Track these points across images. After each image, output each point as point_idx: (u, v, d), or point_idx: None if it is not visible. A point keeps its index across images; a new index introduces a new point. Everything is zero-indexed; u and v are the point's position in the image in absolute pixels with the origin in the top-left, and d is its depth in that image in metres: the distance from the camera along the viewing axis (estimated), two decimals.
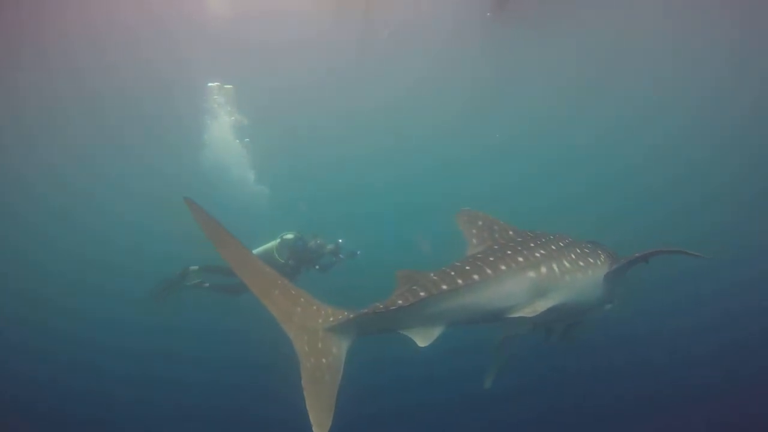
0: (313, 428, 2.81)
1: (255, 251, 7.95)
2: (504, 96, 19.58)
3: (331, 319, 3.15)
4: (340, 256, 8.17)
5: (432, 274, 3.42)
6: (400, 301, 3.17)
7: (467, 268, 3.46)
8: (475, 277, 3.38)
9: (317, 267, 8.13)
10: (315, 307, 3.23)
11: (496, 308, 3.56)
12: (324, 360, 3.06)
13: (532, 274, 3.62)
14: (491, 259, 3.58)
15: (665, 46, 16.82)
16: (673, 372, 10.26)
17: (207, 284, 8.34)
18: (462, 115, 20.69)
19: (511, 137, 21.30)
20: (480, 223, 4.26)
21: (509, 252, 3.69)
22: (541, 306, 3.60)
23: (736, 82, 18.61)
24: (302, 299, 3.24)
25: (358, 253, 8.34)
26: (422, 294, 3.19)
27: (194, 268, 8.28)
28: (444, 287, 3.27)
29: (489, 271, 3.45)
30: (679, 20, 15.26)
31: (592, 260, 4.03)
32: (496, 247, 3.85)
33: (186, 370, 11.46)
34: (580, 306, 4.08)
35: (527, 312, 3.57)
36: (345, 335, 3.19)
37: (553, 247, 3.90)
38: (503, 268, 3.53)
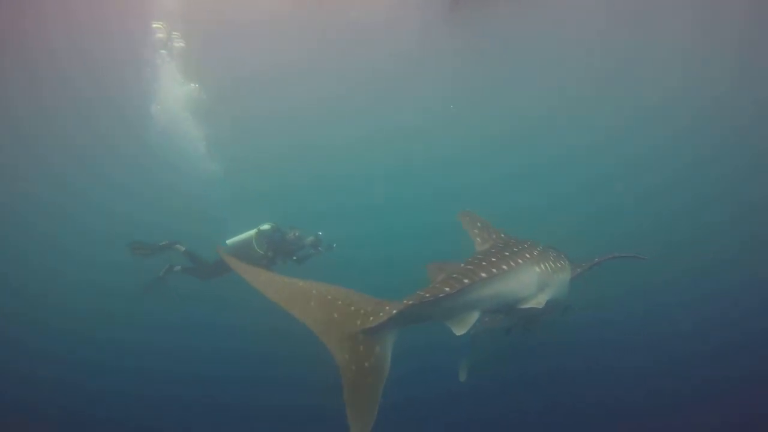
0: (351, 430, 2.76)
1: (231, 241, 8.27)
2: (465, 93, 19.55)
3: (371, 318, 3.05)
4: (320, 248, 8.33)
5: (463, 265, 3.67)
6: (447, 288, 3.25)
7: (493, 260, 3.73)
8: (504, 267, 3.70)
9: (294, 258, 8.27)
10: (353, 308, 3.14)
11: (515, 297, 3.87)
12: (366, 363, 2.97)
13: (537, 269, 4.02)
14: (507, 254, 3.91)
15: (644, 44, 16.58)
16: (668, 372, 10.11)
17: (178, 267, 8.56)
18: (427, 111, 20.58)
19: (472, 135, 21.09)
20: (479, 224, 4.66)
21: (515, 249, 4.03)
22: (543, 299, 3.97)
23: (734, 82, 18.48)
24: (339, 302, 3.17)
25: (334, 246, 8.52)
26: (466, 281, 3.36)
27: (181, 248, 8.46)
28: (483, 275, 3.49)
29: (513, 263, 3.79)
30: (668, 18, 15.04)
31: (563, 263, 4.50)
32: (500, 245, 4.19)
33: (191, 366, 11.30)
34: (557, 302, 4.43)
35: (534, 303, 3.91)
36: (388, 330, 3.11)
37: (539, 249, 4.31)
38: (520, 261, 3.88)
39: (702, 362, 10.27)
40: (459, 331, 3.43)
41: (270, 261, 8.04)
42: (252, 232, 8.22)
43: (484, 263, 3.64)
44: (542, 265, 4.09)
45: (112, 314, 12.93)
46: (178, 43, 13.73)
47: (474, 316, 3.50)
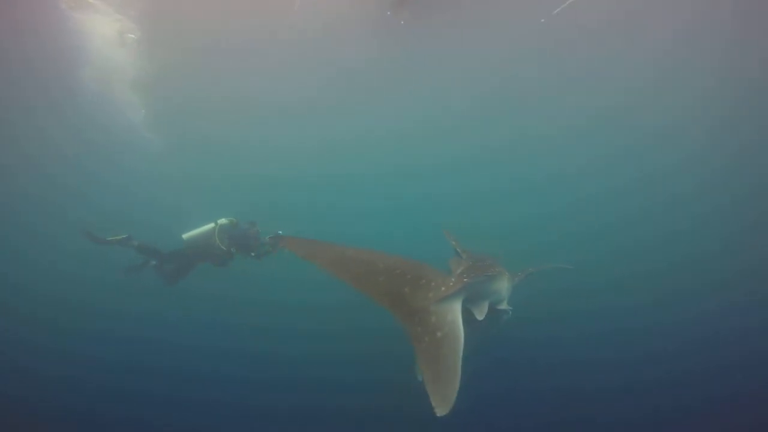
0: (435, 409, 2.73)
1: (188, 235, 8.06)
2: (407, 95, 19.16)
3: (443, 288, 3.19)
4: (279, 246, 8.09)
5: (471, 264, 4.08)
6: (489, 272, 3.77)
7: (490, 263, 4.21)
8: (500, 269, 4.22)
9: (253, 255, 8.11)
10: (423, 281, 3.23)
11: (501, 297, 4.29)
12: (439, 333, 3.03)
13: (507, 276, 4.50)
14: (490, 262, 4.30)
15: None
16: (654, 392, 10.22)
17: (154, 263, 8.30)
18: (366, 114, 20.32)
19: (411, 138, 20.94)
20: (454, 239, 5.17)
21: (490, 261, 4.45)
22: (506, 303, 4.43)
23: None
24: (408, 276, 3.23)
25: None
26: (497, 269, 3.96)
27: (134, 242, 8.12)
28: (497, 269, 4.09)
29: (501, 269, 4.31)
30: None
31: (510, 273, 4.83)
32: (477, 256, 4.56)
33: (191, 364, 11.27)
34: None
35: (503, 306, 4.35)
36: (457, 300, 3.25)
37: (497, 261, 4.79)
38: (502, 268, 4.41)
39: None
40: (480, 315, 3.69)
41: (230, 257, 7.99)
42: (210, 226, 8.01)
43: (487, 264, 4.03)
44: (509, 274, 4.57)
45: (114, 309, 12.86)
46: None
47: (486, 306, 3.78)
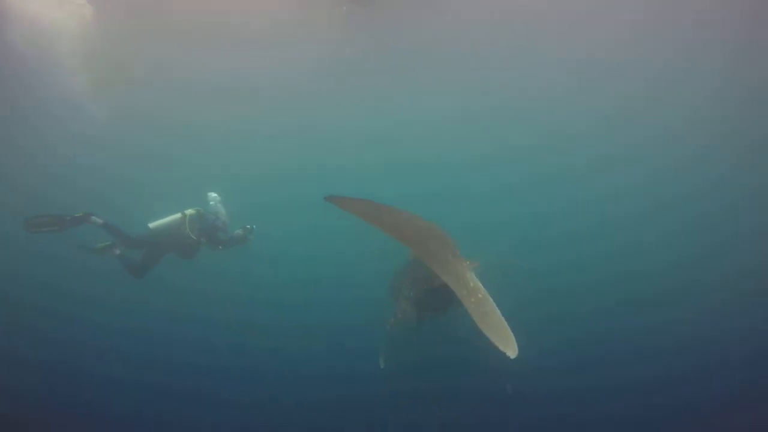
0: (507, 353, 3.21)
1: (156, 225, 7.86)
2: (363, 90, 18.71)
3: (468, 262, 3.87)
4: (249, 238, 8.20)
5: None
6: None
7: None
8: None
9: (221, 247, 8.08)
10: (458, 252, 3.85)
11: None
12: (480, 294, 3.61)
13: None
14: None
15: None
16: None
17: (118, 251, 7.77)
18: (323, 108, 19.74)
19: (364, 131, 20.37)
20: None
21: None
22: None
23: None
24: (450, 246, 3.82)
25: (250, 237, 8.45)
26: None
27: (98, 221, 7.55)
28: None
29: None
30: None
31: None
32: None
33: (187, 357, 11.22)
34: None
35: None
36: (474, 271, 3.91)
37: None
38: None
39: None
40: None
41: (199, 247, 7.90)
42: (177, 216, 7.87)
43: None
44: None
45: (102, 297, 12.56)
46: None
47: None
